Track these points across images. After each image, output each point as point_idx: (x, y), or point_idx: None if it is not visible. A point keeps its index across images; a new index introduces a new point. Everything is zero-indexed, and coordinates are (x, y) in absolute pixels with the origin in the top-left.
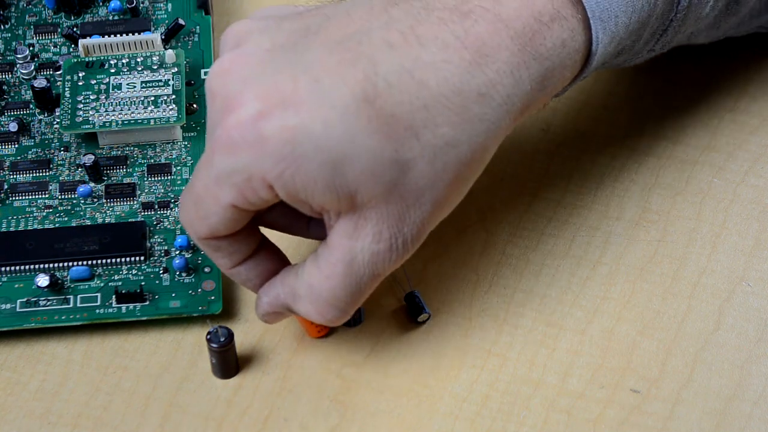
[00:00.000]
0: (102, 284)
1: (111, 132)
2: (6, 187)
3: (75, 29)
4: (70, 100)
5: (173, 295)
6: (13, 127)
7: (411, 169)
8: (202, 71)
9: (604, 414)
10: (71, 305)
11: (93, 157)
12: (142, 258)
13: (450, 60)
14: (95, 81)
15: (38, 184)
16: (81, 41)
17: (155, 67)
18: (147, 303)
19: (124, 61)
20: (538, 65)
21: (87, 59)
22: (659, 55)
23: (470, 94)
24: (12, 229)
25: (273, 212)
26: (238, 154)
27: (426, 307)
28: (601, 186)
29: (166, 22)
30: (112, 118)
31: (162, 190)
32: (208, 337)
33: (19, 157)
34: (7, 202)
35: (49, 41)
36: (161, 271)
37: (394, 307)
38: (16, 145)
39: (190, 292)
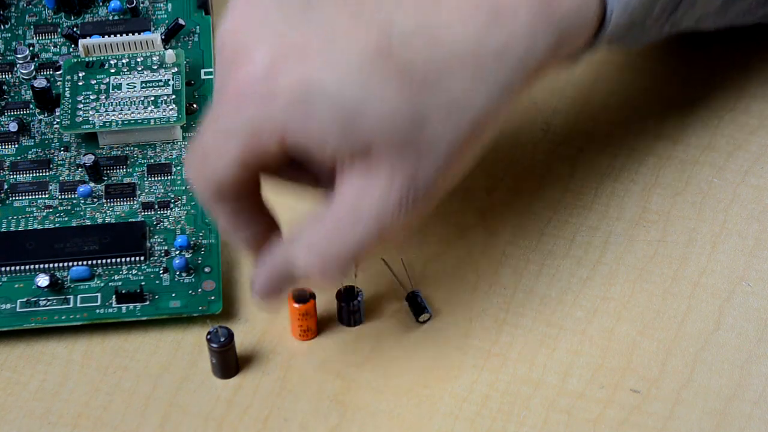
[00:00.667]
0: (102, 284)
1: (111, 132)
2: (6, 187)
3: (75, 29)
4: (70, 100)
5: (173, 295)
6: (13, 127)
7: (426, 123)
8: (202, 71)
9: (604, 414)
10: (71, 305)
11: (93, 157)
12: (142, 258)
13: (466, 19)
14: (95, 81)
15: (38, 184)
16: (81, 41)
17: (155, 67)
18: (147, 303)
19: (124, 61)
20: (553, 28)
21: (87, 59)
22: (660, 53)
23: (486, 53)
24: (12, 229)
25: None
26: (249, 108)
27: (428, 307)
28: (601, 186)
29: (166, 22)
30: (112, 118)
31: (162, 190)
32: (208, 337)
33: (19, 157)
34: (7, 202)
35: (49, 41)
36: (161, 271)
37: (394, 307)
38: (16, 145)
39: (190, 292)
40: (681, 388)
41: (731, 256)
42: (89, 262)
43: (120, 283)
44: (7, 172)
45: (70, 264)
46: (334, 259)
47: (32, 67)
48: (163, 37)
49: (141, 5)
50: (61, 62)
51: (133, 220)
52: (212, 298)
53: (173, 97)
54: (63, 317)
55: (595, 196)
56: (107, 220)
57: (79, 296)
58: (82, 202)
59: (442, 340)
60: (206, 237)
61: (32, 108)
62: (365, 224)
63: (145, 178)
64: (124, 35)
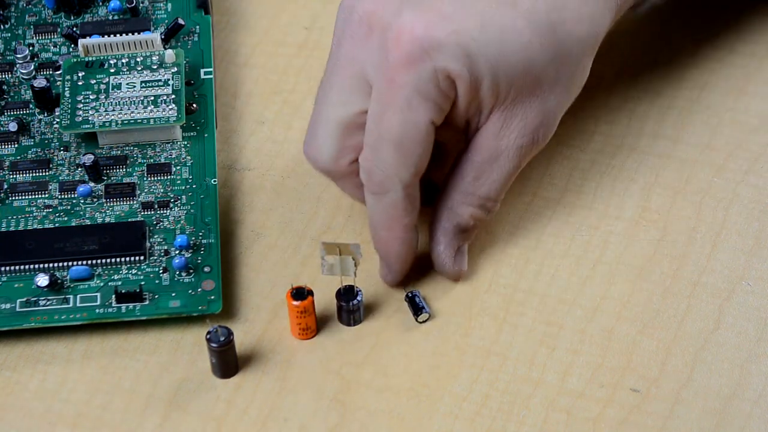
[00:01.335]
0: (102, 284)
1: (111, 132)
2: (6, 186)
3: (75, 29)
4: (69, 100)
5: (173, 294)
6: (13, 126)
7: (552, 60)
8: (202, 71)
9: (604, 413)
10: (71, 305)
11: (93, 156)
12: (142, 258)
13: None
14: (95, 81)
15: (38, 183)
16: (81, 41)
17: (155, 67)
18: (147, 303)
19: (123, 60)
20: None
21: (87, 59)
22: (660, 53)
23: None
24: (12, 228)
25: None
26: (422, 62)
27: (426, 307)
28: (601, 185)
29: (166, 21)
30: (112, 117)
31: (162, 190)
32: (208, 336)
33: (18, 157)
34: (6, 202)
35: (48, 41)
36: (161, 271)
37: (394, 307)
38: (16, 145)
39: (189, 291)
40: (681, 388)
41: (731, 256)
42: (89, 262)
43: (120, 283)
44: (6, 172)
45: (70, 264)
46: (489, 201)
47: (32, 67)
48: (162, 36)
49: (141, 5)
50: (61, 62)
51: (133, 219)
52: (212, 297)
53: (173, 96)
54: (63, 317)
55: (595, 195)
56: (107, 219)
57: (78, 296)
58: (82, 201)
59: (441, 339)
60: (206, 237)
61: (32, 108)
62: (505, 167)
63: (145, 178)
64: (124, 35)
